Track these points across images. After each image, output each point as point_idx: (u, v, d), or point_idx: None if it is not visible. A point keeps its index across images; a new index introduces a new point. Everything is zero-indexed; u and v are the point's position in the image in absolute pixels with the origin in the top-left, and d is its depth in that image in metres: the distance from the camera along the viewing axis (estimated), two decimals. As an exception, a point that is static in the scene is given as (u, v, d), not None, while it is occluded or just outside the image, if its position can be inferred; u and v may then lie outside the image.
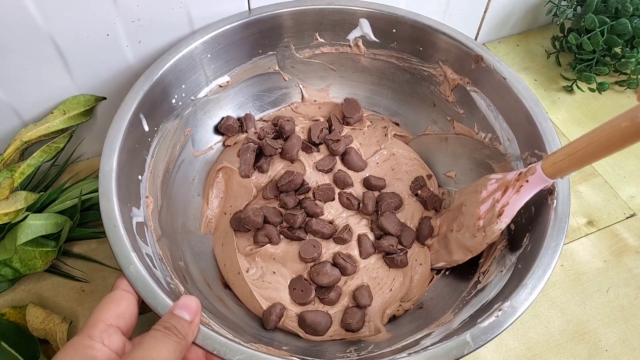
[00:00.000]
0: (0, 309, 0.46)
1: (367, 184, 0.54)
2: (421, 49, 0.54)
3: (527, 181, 0.40)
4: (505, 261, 0.42)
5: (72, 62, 0.50)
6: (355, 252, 0.49)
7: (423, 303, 0.47)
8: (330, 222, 0.51)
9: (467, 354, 0.34)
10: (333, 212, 0.52)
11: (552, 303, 0.51)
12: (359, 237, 0.50)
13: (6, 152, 0.50)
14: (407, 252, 0.49)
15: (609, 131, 0.33)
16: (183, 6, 0.50)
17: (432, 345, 0.35)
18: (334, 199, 0.53)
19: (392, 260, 0.48)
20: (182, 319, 0.32)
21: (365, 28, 0.55)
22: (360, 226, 0.52)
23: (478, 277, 0.44)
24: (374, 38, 0.55)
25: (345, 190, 0.53)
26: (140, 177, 0.45)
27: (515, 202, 0.41)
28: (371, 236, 0.51)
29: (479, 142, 0.51)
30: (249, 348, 0.34)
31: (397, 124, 0.60)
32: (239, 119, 0.57)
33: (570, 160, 0.37)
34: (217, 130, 0.57)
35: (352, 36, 0.56)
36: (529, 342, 0.48)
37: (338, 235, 0.49)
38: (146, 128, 0.46)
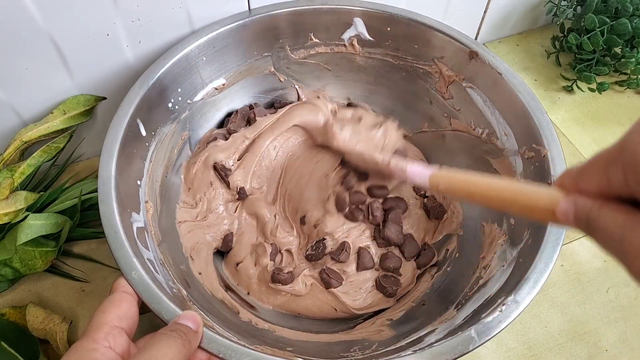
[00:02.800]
0: (0, 309, 0.46)
1: (371, 193, 0.54)
2: (416, 46, 0.54)
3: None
4: (507, 256, 0.43)
5: (72, 62, 0.50)
6: (350, 268, 0.49)
7: (425, 300, 0.47)
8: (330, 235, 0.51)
9: (472, 350, 0.34)
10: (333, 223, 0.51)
11: (552, 303, 0.51)
12: (359, 250, 0.50)
13: (6, 152, 0.49)
14: (400, 285, 0.49)
15: (515, 191, 0.30)
16: (183, 6, 0.50)
17: (436, 341, 0.35)
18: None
19: (384, 288, 0.48)
20: (186, 326, 0.32)
21: (359, 27, 0.55)
22: (362, 238, 0.51)
23: (480, 273, 0.44)
24: (368, 37, 0.55)
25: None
26: (139, 182, 0.45)
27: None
28: (373, 248, 0.51)
29: (476, 138, 0.52)
30: (254, 350, 0.33)
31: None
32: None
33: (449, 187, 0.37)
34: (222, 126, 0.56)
35: (346, 35, 0.56)
36: (529, 342, 0.48)
37: (335, 257, 0.49)
38: (143, 133, 0.46)
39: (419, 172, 0.41)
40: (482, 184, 0.33)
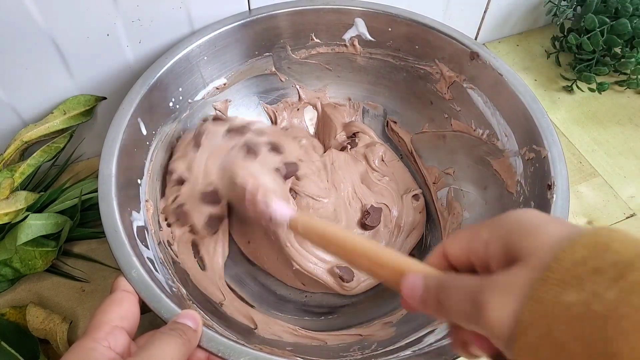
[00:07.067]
0: (0, 309, 0.46)
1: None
2: (417, 47, 0.54)
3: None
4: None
5: (72, 62, 0.49)
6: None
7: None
8: None
9: None
10: None
11: (552, 303, 0.51)
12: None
13: (6, 152, 0.50)
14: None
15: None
16: (183, 6, 0.50)
17: (435, 342, 0.35)
18: None
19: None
20: (186, 325, 0.32)
21: (360, 27, 0.55)
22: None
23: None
24: (369, 37, 0.55)
25: None
26: (139, 181, 0.45)
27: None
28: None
29: (477, 139, 0.52)
30: (253, 349, 0.34)
31: (395, 122, 0.60)
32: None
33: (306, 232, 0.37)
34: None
35: (347, 36, 0.56)
36: (529, 342, 0.48)
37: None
38: (144, 132, 0.46)
39: (281, 210, 0.40)
40: (339, 238, 0.33)
